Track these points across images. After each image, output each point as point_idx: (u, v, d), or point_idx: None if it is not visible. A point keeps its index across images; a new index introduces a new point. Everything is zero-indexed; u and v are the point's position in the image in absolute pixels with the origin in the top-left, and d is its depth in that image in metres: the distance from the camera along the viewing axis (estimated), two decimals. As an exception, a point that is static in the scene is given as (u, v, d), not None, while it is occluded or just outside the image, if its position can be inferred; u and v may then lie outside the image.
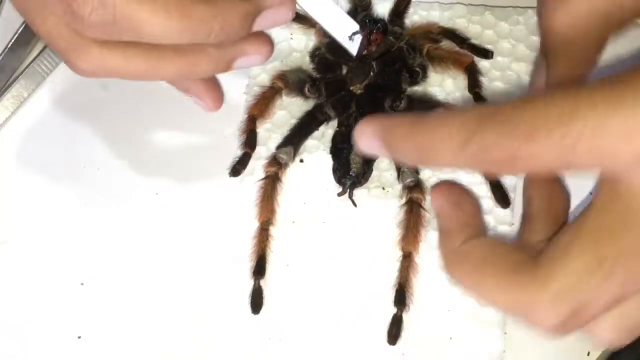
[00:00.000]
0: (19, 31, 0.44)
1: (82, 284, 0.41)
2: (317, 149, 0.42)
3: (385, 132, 0.29)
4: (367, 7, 0.44)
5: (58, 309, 0.41)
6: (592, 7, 0.29)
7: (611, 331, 0.28)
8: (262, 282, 0.39)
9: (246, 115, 0.42)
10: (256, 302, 0.39)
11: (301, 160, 0.42)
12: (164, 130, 0.44)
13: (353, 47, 0.40)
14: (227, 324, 0.40)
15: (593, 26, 0.30)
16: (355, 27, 0.40)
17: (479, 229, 0.31)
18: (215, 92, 0.41)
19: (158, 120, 0.44)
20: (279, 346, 0.39)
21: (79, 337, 0.40)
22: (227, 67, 0.37)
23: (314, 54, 0.43)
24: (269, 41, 0.38)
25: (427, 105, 0.41)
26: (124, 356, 0.40)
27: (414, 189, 0.39)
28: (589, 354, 0.41)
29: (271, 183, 0.40)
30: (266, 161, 0.41)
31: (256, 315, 0.39)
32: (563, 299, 0.26)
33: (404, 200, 0.40)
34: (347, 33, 0.40)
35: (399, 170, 0.40)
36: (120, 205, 0.42)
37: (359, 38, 0.40)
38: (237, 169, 0.41)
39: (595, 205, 0.26)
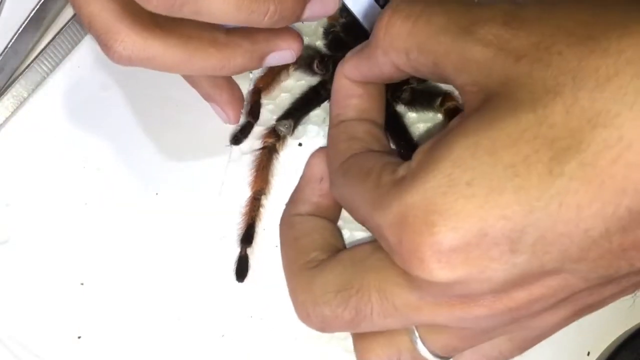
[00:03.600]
0: (19, 31, 0.44)
1: (82, 284, 0.41)
2: (317, 135, 0.42)
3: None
4: None
5: (58, 309, 0.41)
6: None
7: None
8: (249, 251, 0.40)
9: (252, 87, 0.42)
10: (241, 269, 0.40)
11: (300, 144, 0.42)
12: (164, 130, 0.43)
13: None
14: (208, 301, 0.40)
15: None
16: None
17: (325, 211, 0.36)
18: (238, 104, 0.41)
19: (158, 121, 0.44)
20: (260, 324, 0.40)
21: (79, 337, 0.40)
22: (259, 63, 0.38)
23: (328, 31, 0.43)
24: (300, 38, 0.39)
25: (431, 95, 0.41)
26: (124, 356, 0.40)
27: None
28: (588, 353, 0.41)
29: (267, 154, 0.40)
30: (265, 132, 0.41)
31: (238, 294, 0.40)
32: (314, 310, 0.31)
33: None
34: None
35: (400, 152, 0.40)
36: (120, 205, 0.42)
37: None
38: (239, 137, 0.41)
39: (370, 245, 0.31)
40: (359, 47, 0.35)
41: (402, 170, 0.29)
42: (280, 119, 0.41)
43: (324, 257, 0.33)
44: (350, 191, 0.31)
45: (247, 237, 0.40)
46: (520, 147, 0.25)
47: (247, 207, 0.40)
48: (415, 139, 0.41)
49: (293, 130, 0.41)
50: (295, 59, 0.39)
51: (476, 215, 0.25)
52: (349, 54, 0.35)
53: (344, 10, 0.41)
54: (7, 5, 0.45)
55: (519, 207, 0.25)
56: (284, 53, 0.38)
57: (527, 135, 0.25)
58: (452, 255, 0.26)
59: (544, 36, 0.26)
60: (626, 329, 0.41)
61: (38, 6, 0.44)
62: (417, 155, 0.28)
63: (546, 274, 0.27)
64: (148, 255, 0.41)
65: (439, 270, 0.26)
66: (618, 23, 0.25)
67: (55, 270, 0.41)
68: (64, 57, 0.45)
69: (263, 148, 0.40)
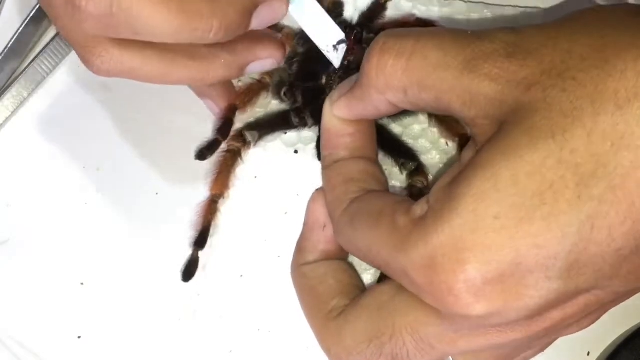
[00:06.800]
0: (19, 31, 0.44)
1: (82, 284, 0.41)
2: (312, 141, 0.42)
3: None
4: (341, 14, 0.42)
5: (58, 309, 0.41)
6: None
7: None
8: (201, 254, 0.40)
9: (227, 104, 0.41)
10: (189, 271, 0.40)
11: (295, 152, 0.42)
12: (164, 130, 0.43)
13: (336, 57, 0.38)
14: (217, 315, 0.40)
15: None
16: (341, 35, 0.38)
17: (334, 254, 0.35)
18: (230, 96, 0.41)
19: (158, 120, 0.44)
20: (268, 337, 0.40)
21: (79, 337, 0.41)
22: (239, 72, 0.37)
23: (291, 61, 0.41)
24: (281, 45, 0.38)
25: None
26: (124, 356, 0.40)
27: (414, 173, 0.39)
28: (589, 354, 0.41)
29: (232, 158, 0.40)
30: (232, 134, 0.40)
31: (246, 307, 0.40)
32: (346, 356, 0.31)
33: (405, 186, 0.40)
34: (331, 41, 0.38)
35: (398, 162, 0.40)
36: (120, 205, 0.42)
37: (343, 48, 0.38)
38: (204, 153, 0.40)
39: (386, 285, 0.31)
40: (345, 85, 0.34)
41: (419, 209, 0.28)
42: (248, 128, 0.41)
43: (345, 302, 0.32)
44: (363, 238, 0.30)
45: (201, 241, 0.39)
46: (544, 175, 0.25)
47: (204, 210, 0.39)
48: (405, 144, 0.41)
49: (256, 142, 0.41)
50: (277, 66, 0.38)
51: (508, 246, 0.25)
52: (335, 94, 0.34)
53: (301, 38, 0.40)
54: (7, 5, 0.45)
55: (551, 234, 0.25)
56: (264, 62, 0.38)
57: (549, 162, 0.25)
58: (487, 288, 0.26)
59: (554, 63, 0.26)
60: (626, 329, 0.41)
61: (38, 6, 0.44)
62: (435, 194, 0.28)
63: (579, 293, 0.27)
64: (148, 256, 0.41)
65: (475, 305, 0.26)
66: (631, 45, 0.25)
67: (55, 270, 0.41)
68: (64, 57, 0.45)
69: (228, 151, 0.40)
